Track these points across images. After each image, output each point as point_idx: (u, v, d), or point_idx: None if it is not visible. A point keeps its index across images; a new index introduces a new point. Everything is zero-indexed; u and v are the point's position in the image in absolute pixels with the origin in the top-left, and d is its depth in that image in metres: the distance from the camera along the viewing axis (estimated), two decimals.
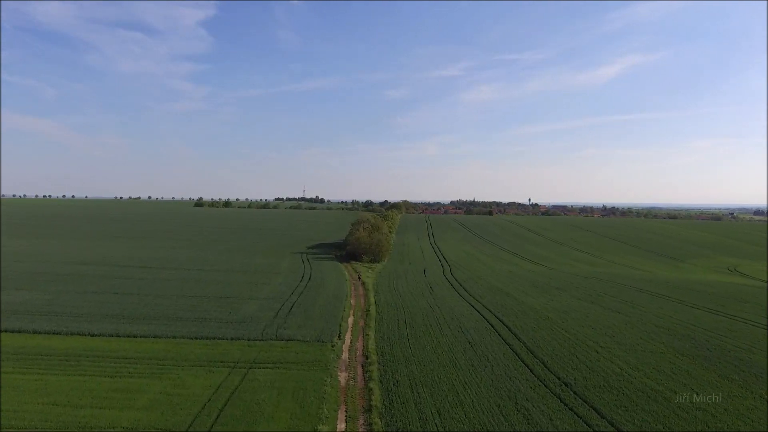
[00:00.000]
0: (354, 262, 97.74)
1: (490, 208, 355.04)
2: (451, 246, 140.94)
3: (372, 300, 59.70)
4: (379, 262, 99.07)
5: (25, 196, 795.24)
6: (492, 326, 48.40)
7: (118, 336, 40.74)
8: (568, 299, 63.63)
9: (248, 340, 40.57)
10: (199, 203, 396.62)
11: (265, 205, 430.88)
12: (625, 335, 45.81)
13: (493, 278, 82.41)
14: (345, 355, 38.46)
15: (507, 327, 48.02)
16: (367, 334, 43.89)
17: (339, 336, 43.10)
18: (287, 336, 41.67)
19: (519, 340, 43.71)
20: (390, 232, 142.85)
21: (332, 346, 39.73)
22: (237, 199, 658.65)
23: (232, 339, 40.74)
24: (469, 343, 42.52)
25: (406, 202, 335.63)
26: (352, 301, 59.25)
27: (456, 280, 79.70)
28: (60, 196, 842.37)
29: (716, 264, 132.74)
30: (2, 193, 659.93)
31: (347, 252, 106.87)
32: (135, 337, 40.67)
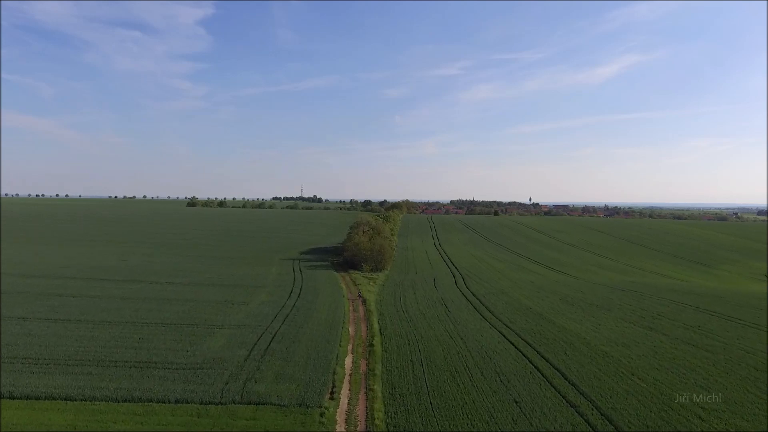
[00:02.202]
0: (352, 271, 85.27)
1: (495, 208, 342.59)
2: (459, 250, 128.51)
3: (376, 327, 47.20)
4: (381, 271, 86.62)
5: (17, 195, 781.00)
6: (538, 370, 36.00)
7: (12, 398, 28.19)
8: (619, 323, 51.24)
9: (200, 404, 28.05)
10: (192, 203, 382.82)
11: (260, 205, 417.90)
12: (724, 385, 33.43)
13: (516, 291, 70.07)
14: (340, 430, 26.03)
15: (558, 371, 35.60)
16: (372, 389, 31.42)
17: (332, 392, 30.63)
18: (258, 396, 29.13)
19: (583, 395, 31.31)
20: (392, 235, 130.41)
21: (321, 415, 27.22)
22: (234, 198, 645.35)
23: (176, 402, 28.20)
24: (516, 402, 30.08)
25: (407, 202, 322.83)
26: (351, 329, 46.74)
27: (473, 294, 67.31)
28: (54, 195, 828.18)
29: (750, 270, 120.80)
30: None
31: (345, 259, 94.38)
32: (37, 399, 28.12)
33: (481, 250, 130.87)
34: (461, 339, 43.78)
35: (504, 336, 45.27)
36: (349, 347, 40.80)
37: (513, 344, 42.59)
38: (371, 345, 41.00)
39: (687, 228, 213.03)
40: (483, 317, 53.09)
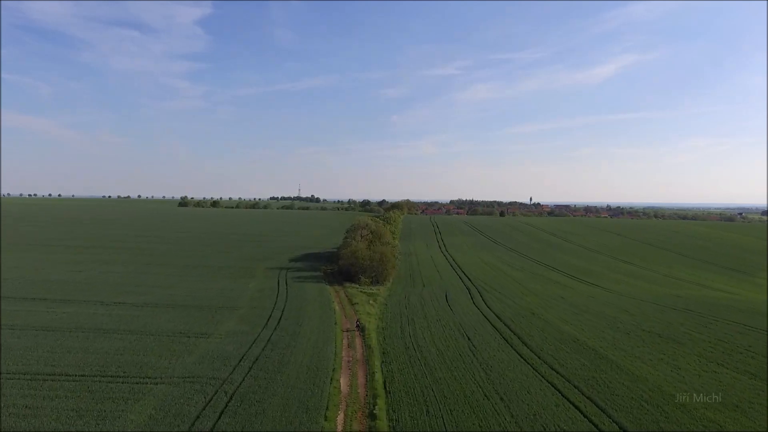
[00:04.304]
0: (348, 284, 72.12)
1: (501, 209, 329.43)
2: (468, 256, 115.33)
3: (379, 377, 33.90)
4: (382, 284, 73.46)
5: (9, 194, 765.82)
6: None
7: None
8: (704, 365, 38.06)
9: None
10: (184, 202, 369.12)
11: (254, 205, 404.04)
12: None
13: (549, 312, 56.96)
14: None
15: None
16: None
17: None
18: None
19: None
20: (393, 239, 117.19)
21: None
22: (230, 198, 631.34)
23: None
24: None
25: (408, 202, 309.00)
26: (343, 382, 33.45)
27: (497, 317, 54.19)
28: (47, 194, 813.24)
29: None
30: None
31: (340, 268, 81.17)
32: None
33: (492, 256, 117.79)
34: (500, 399, 30.60)
35: (559, 391, 32.09)
36: (340, 418, 27.60)
37: (577, 408, 29.41)
38: (373, 414, 27.80)
39: (701, 228, 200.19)
40: (520, 356, 39.91)
